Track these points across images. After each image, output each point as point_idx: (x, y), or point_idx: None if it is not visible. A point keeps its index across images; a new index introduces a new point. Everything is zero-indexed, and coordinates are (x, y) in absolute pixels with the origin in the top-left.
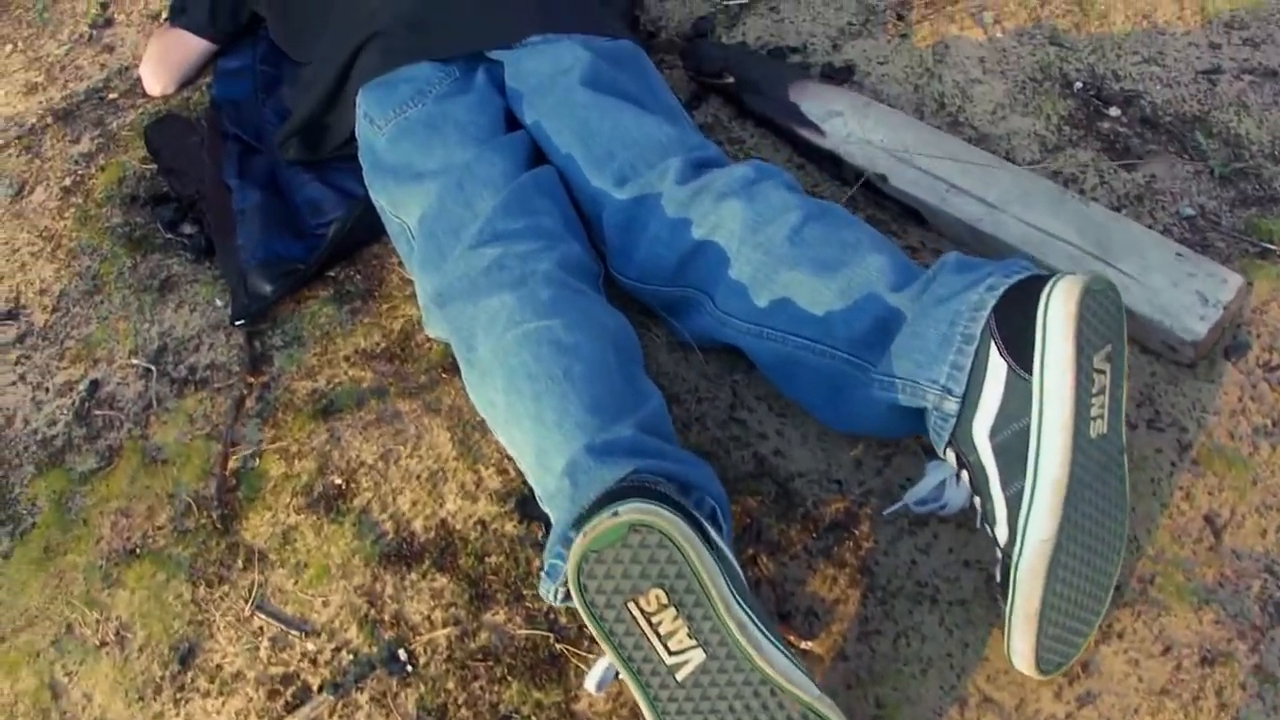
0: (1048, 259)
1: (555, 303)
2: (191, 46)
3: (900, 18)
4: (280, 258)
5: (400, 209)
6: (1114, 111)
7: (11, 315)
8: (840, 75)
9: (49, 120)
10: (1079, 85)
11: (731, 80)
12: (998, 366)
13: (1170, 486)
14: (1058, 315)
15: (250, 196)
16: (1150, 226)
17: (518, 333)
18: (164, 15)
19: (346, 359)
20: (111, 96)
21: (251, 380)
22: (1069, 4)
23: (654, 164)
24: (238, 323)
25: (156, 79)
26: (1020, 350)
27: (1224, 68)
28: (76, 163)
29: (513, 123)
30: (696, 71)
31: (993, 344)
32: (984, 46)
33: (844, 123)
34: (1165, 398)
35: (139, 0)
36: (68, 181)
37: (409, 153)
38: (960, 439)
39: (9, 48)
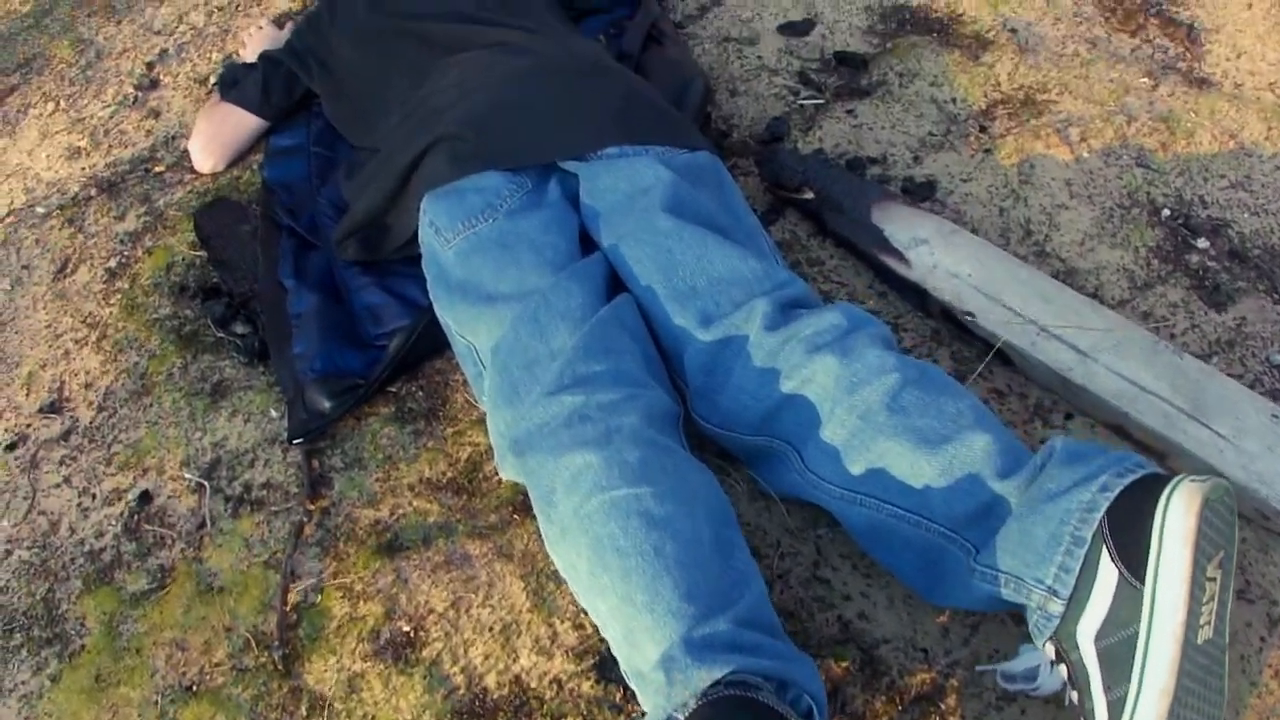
0: (1142, 416)
1: (644, 467)
2: (243, 123)
3: (983, 129)
4: (340, 371)
5: (468, 330)
6: (1202, 243)
7: (55, 408)
8: (922, 192)
9: (92, 191)
10: (1166, 213)
11: (811, 196)
12: (1108, 572)
13: (1260, 663)
14: (1176, 528)
15: (307, 299)
16: (1241, 375)
17: (604, 499)
18: (212, 81)
19: (411, 488)
20: (158, 169)
21: (311, 507)
22: (1155, 121)
23: (740, 303)
24: (295, 441)
25: (207, 156)
26: (1133, 557)
27: None
28: (122, 242)
29: (586, 240)
30: (774, 184)
31: (1104, 549)
32: (1070, 167)
33: (929, 251)
34: (1256, 567)
35: (185, 62)
36: (113, 263)
37: (479, 271)
38: (1063, 637)
39: (51, 105)
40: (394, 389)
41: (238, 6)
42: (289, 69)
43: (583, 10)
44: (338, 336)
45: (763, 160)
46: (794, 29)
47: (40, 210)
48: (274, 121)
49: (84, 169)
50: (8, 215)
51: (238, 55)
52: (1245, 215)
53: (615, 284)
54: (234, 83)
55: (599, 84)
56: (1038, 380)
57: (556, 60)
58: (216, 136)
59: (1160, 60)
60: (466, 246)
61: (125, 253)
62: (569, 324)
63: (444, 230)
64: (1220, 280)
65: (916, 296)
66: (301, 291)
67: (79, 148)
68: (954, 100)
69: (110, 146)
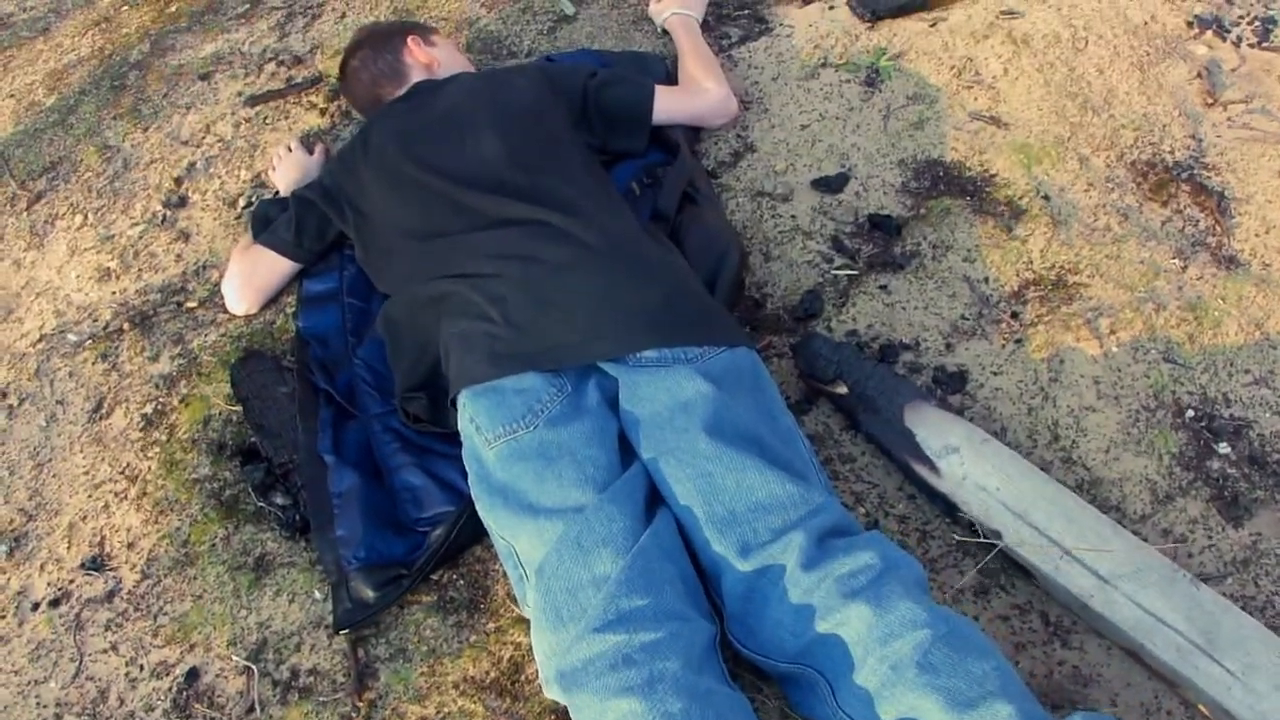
0: (1156, 649)
1: (685, 717)
2: (276, 267)
3: (1015, 316)
4: (383, 560)
5: (508, 534)
6: (1223, 448)
7: (98, 565)
8: (953, 384)
9: (124, 324)
10: (1191, 413)
11: (845, 391)
12: None
13: None
14: None
15: (348, 477)
16: (1254, 597)
17: None
18: (243, 207)
19: (455, 685)
20: (190, 305)
21: (359, 702)
22: (1183, 310)
23: (778, 533)
24: (341, 631)
25: (241, 299)
26: None
27: None
28: (157, 386)
29: (625, 443)
30: (809, 375)
31: None
32: (1099, 363)
33: (960, 461)
34: None
35: (214, 179)
36: (148, 409)
37: (520, 479)
38: None
39: (79, 219)
40: (435, 577)
41: (265, 120)
42: (322, 210)
43: (615, 153)
44: (380, 522)
45: (797, 348)
46: (828, 185)
47: (72, 339)
48: (307, 264)
49: (115, 293)
50: (40, 340)
51: (267, 176)
52: (1267, 415)
53: (654, 495)
54: (266, 221)
55: (638, 281)
56: (1058, 598)
57: (596, 250)
58: (250, 280)
59: (1190, 235)
60: (508, 452)
61: (160, 399)
62: (611, 550)
63: (485, 430)
64: (1239, 490)
65: (945, 505)
66: (342, 469)
67: (109, 269)
68: (986, 279)
69: (140, 271)
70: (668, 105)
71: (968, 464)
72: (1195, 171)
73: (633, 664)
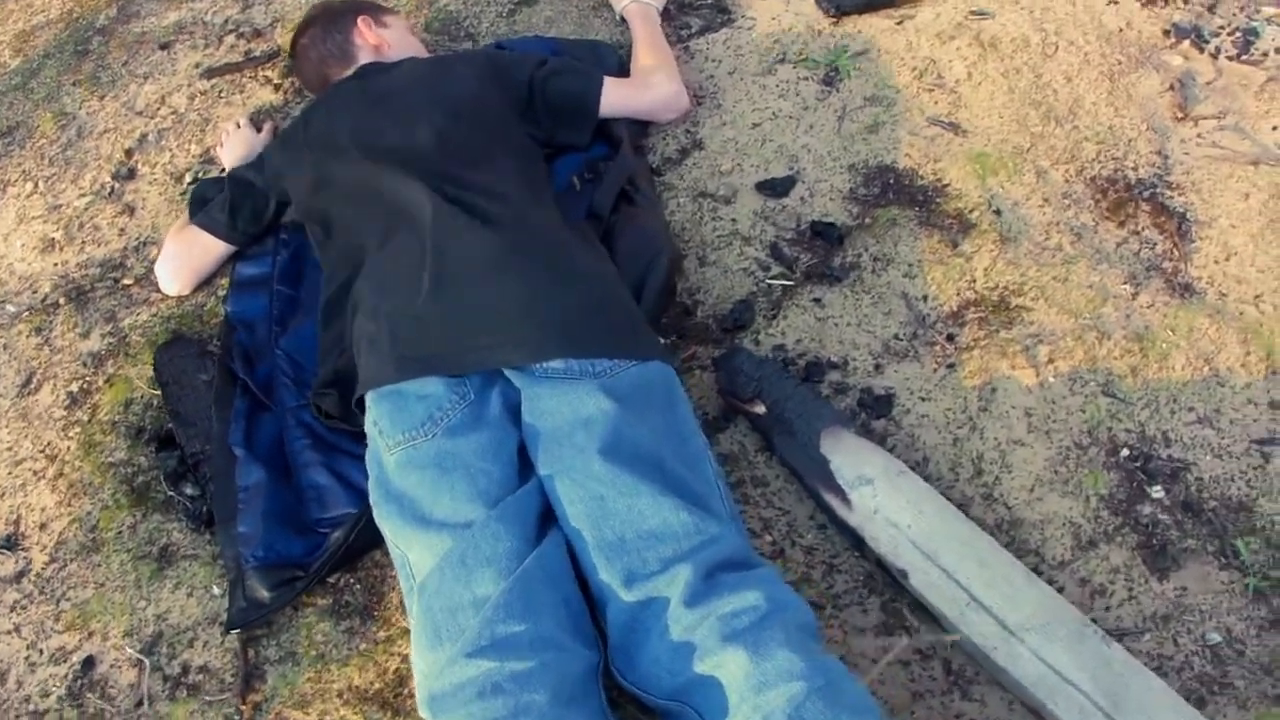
0: (1058, 709)
1: None
2: (209, 249)
3: (950, 338)
4: (281, 560)
5: (402, 544)
6: (1157, 491)
7: (10, 544)
8: (879, 407)
9: (60, 298)
10: (1125, 453)
11: (763, 411)
12: None
13: None
14: None
15: (254, 472)
16: (1171, 657)
17: None
18: (187, 183)
19: (339, 694)
20: (126, 282)
21: (243, 706)
22: (1129, 340)
23: (667, 563)
24: (233, 630)
25: (174, 280)
26: None
27: (1279, 437)
28: (85, 364)
29: (524, 454)
30: (729, 392)
31: None
32: (1033, 393)
33: (873, 493)
34: None
35: (164, 151)
36: (74, 387)
37: (416, 488)
38: None
39: (29, 186)
40: (332, 580)
41: (220, 93)
42: (260, 190)
43: (560, 146)
44: (281, 520)
45: (720, 362)
46: (773, 188)
47: (10, 309)
48: (242, 246)
49: (56, 265)
50: None
51: (214, 151)
52: (1207, 457)
53: (549, 514)
54: (203, 202)
55: (557, 286)
56: (963, 647)
57: (517, 249)
58: (183, 262)
59: (1145, 259)
60: (405, 459)
61: (87, 378)
62: (494, 571)
63: (386, 434)
64: (1169, 538)
65: (855, 540)
66: (251, 463)
67: (54, 239)
68: (925, 298)
69: (84, 243)
70: (615, 98)
71: (880, 496)
72: (1158, 190)
73: (500, 693)
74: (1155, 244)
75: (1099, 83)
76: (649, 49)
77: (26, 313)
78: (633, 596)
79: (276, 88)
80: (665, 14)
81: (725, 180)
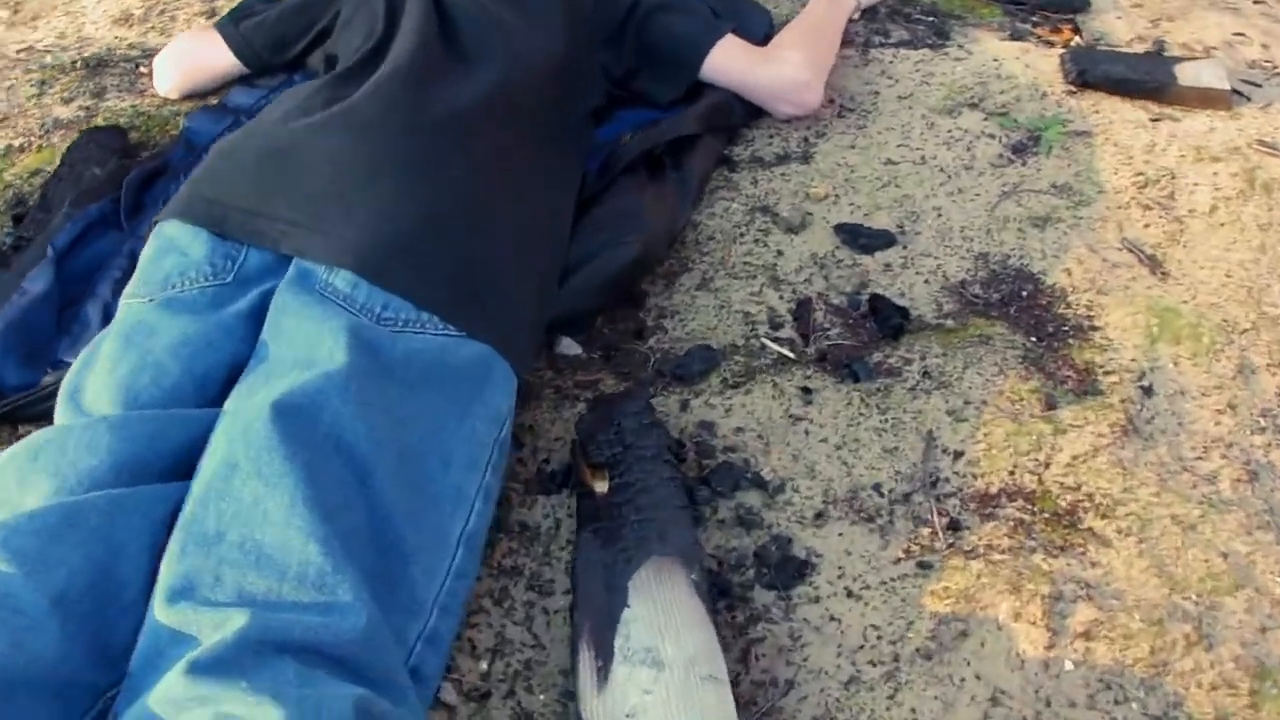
0: None
1: None
2: (215, 60)
3: (954, 526)
4: None
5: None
6: None
7: None
8: (782, 573)
9: (81, 64)
10: None
11: (603, 490)
12: None
13: None
14: None
15: (43, 280)
16: None
17: None
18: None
19: None
20: (144, 70)
21: None
22: (1241, 672)
23: (241, 600)
24: None
25: (166, 78)
26: None
27: None
28: (43, 126)
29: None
30: (581, 444)
31: None
32: (1024, 674)
33: (647, 687)
34: None
35: None
36: (17, 142)
37: (92, 352)
38: None
39: None
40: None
41: None
42: (304, 18)
43: (635, 93)
44: (20, 340)
45: (597, 404)
46: (859, 237)
47: (49, 60)
48: (253, 70)
49: (118, 37)
50: (27, 49)
51: None
52: None
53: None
54: (246, 15)
55: (438, 198)
56: None
57: (441, 159)
58: (182, 62)
59: None
60: (120, 315)
61: (33, 137)
62: (52, 485)
63: (139, 277)
64: None
65: None
66: (49, 270)
67: (132, 15)
68: (960, 454)
69: (152, 27)
70: (728, 61)
71: (653, 699)
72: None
73: None
74: None
75: None
76: (805, 29)
77: (52, 68)
78: (170, 618)
79: None
80: (872, 14)
81: (804, 205)
